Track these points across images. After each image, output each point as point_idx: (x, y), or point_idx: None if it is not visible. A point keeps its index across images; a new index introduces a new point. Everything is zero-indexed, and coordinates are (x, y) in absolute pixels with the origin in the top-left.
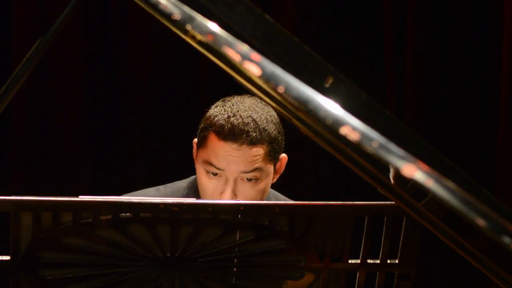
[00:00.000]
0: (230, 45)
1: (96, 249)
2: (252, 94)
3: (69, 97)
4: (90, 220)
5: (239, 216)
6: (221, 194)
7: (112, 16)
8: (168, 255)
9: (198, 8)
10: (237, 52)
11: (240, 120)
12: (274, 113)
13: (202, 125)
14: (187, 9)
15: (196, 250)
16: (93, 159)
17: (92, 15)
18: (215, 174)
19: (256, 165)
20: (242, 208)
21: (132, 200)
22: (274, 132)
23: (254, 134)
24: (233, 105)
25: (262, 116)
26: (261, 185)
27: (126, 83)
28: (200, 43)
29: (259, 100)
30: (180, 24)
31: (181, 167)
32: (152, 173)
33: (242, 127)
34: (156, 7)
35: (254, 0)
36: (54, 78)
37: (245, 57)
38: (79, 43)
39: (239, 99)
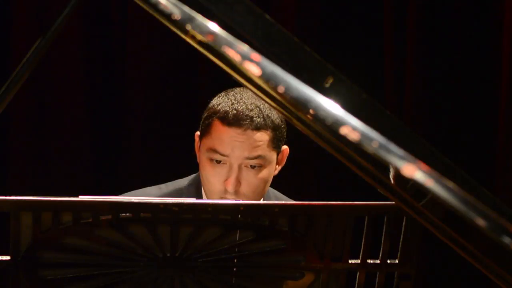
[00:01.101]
0: (230, 45)
1: (96, 249)
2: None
3: (69, 97)
4: (90, 220)
5: (239, 216)
6: (225, 181)
7: (112, 16)
8: (168, 255)
9: (198, 8)
10: (237, 52)
11: (244, 106)
12: None
13: (206, 115)
14: (187, 9)
15: (196, 250)
16: (93, 159)
17: (92, 15)
18: (219, 162)
19: (260, 152)
20: (242, 208)
21: (132, 200)
22: (278, 120)
23: (258, 120)
24: (236, 94)
25: (266, 104)
26: (264, 173)
27: (126, 83)
28: (200, 43)
29: None
30: (180, 24)
31: (181, 166)
32: (153, 173)
33: (247, 113)
34: (156, 7)
35: (254, 0)
36: (54, 78)
37: (245, 57)
38: (79, 43)
39: (241, 89)
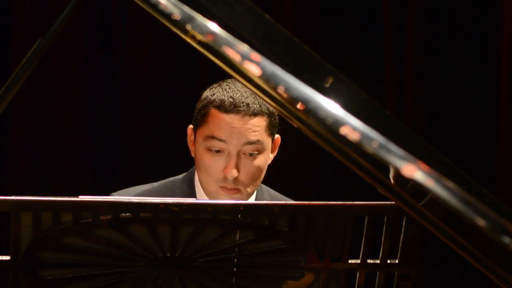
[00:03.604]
0: (230, 45)
1: (96, 249)
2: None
3: (69, 97)
4: (90, 220)
5: (239, 216)
6: (224, 169)
7: (112, 16)
8: (168, 255)
9: (198, 8)
10: (237, 52)
11: (239, 93)
12: None
13: (200, 105)
14: (187, 9)
15: (196, 250)
16: (93, 159)
17: (92, 15)
18: (217, 152)
19: (258, 137)
20: (242, 208)
21: (132, 200)
22: (272, 108)
23: (254, 106)
24: (229, 83)
25: None
26: (261, 160)
27: (126, 83)
28: (200, 43)
29: None
30: (180, 24)
31: (182, 166)
32: (153, 173)
33: (243, 99)
34: (156, 7)
35: (254, 0)
36: (54, 78)
37: (245, 57)
38: (79, 43)
39: (233, 80)
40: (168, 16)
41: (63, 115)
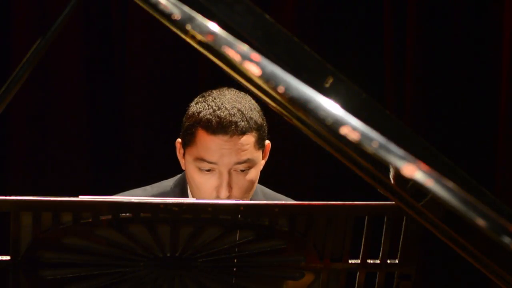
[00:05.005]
0: (230, 45)
1: (96, 249)
2: (249, 92)
3: (69, 97)
4: (90, 220)
5: (239, 216)
6: (216, 189)
7: (112, 16)
8: (168, 255)
9: (198, 8)
10: (237, 52)
11: (226, 112)
12: (254, 102)
13: (187, 123)
14: (187, 9)
15: (196, 250)
16: (93, 159)
17: (92, 15)
18: (208, 170)
19: (248, 155)
20: (242, 208)
21: (132, 200)
22: (260, 120)
23: (242, 124)
24: (214, 99)
25: (245, 105)
26: (253, 174)
27: (126, 83)
28: (200, 43)
29: (238, 91)
30: (180, 24)
31: (181, 167)
32: (152, 173)
33: (230, 118)
34: (156, 7)
35: (254, 0)
36: (54, 78)
37: (245, 57)
38: (79, 43)
39: (218, 92)
40: (168, 16)
41: (63, 115)
